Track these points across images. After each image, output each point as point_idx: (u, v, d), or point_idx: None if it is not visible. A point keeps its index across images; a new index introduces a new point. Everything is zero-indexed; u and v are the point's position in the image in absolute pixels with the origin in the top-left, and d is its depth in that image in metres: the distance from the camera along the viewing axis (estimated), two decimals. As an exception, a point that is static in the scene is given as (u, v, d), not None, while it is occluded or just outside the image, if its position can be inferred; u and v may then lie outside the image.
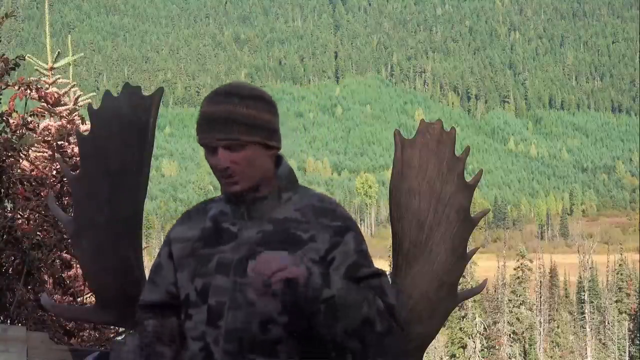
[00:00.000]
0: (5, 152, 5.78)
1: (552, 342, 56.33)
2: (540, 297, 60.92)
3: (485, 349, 52.17)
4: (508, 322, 52.94)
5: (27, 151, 6.32)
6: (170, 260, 2.33)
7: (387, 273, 2.31)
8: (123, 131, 2.76)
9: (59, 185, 6.46)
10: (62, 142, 6.83)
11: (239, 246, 2.24)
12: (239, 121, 2.21)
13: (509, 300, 53.53)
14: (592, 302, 62.07)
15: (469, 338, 51.70)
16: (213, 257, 2.25)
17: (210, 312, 2.21)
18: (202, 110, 2.25)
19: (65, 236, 5.90)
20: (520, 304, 53.95)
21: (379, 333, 2.17)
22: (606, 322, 59.02)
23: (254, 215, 2.27)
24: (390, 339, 2.21)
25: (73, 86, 7.37)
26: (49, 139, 6.79)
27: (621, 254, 64.48)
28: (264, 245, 2.21)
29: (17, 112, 6.55)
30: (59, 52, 7.36)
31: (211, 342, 2.20)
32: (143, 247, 2.87)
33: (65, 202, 6.34)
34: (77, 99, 7.36)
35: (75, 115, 7.13)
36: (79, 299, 6.43)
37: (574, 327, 60.53)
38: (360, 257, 2.25)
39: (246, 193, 2.26)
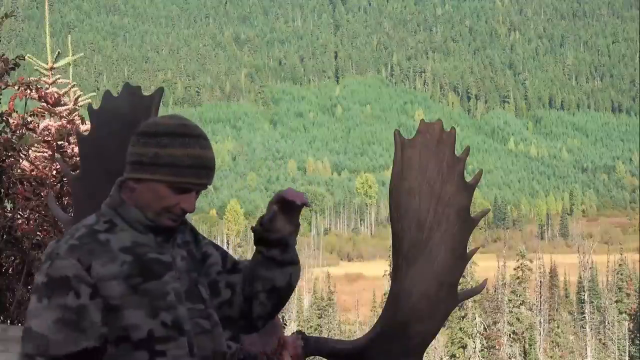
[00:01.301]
0: (5, 152, 5.78)
1: (552, 342, 56.31)
2: (540, 297, 60.91)
3: (485, 349, 52.16)
4: (508, 322, 52.92)
5: (27, 151, 6.32)
6: (96, 300, 2.13)
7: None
8: (123, 131, 2.75)
9: (59, 185, 6.46)
10: (62, 142, 6.83)
11: (180, 274, 2.26)
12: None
13: (509, 300, 53.51)
14: (592, 302, 62.06)
15: (469, 338, 51.69)
16: (166, 289, 2.21)
17: (189, 343, 2.22)
18: (197, 153, 2.22)
19: (65, 236, 5.89)
20: (520, 304, 53.92)
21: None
22: (606, 322, 59.00)
23: (173, 244, 2.31)
24: None
25: (73, 86, 7.37)
26: (49, 139, 6.79)
27: (621, 254, 64.44)
28: (192, 271, 2.31)
29: (17, 112, 6.55)
30: (59, 52, 7.36)
31: None
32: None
33: (65, 202, 6.34)
34: (77, 99, 7.36)
35: (75, 115, 7.13)
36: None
37: (574, 327, 60.52)
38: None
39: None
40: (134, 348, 2.14)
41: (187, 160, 2.20)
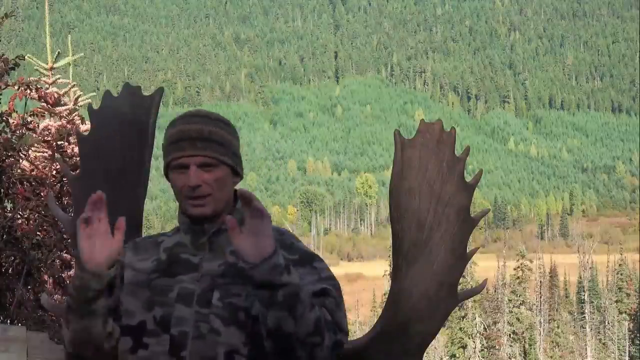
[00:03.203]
0: (5, 152, 5.78)
1: (552, 342, 56.33)
2: (540, 297, 60.93)
3: (485, 349, 52.17)
4: (508, 322, 52.93)
5: (27, 151, 6.32)
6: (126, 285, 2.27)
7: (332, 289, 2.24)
8: (123, 131, 2.76)
9: (59, 185, 6.46)
10: (62, 142, 6.83)
11: (201, 277, 2.23)
12: (216, 140, 2.24)
13: (509, 300, 53.53)
14: (592, 302, 62.08)
15: (469, 338, 51.70)
16: (173, 287, 2.23)
17: (172, 343, 2.18)
18: (176, 129, 2.25)
19: (65, 236, 5.90)
20: (520, 304, 53.94)
21: (326, 347, 2.12)
22: (606, 322, 59.02)
23: (215, 248, 2.26)
24: (333, 356, 2.15)
25: (73, 86, 7.37)
26: (49, 139, 6.79)
27: (621, 254, 64.48)
28: (226, 277, 2.21)
29: (17, 112, 6.55)
30: (59, 52, 7.37)
31: None
32: (143, 247, 2.87)
33: (65, 202, 6.34)
34: (77, 99, 7.37)
35: (75, 115, 7.14)
36: (79, 299, 6.41)
37: (574, 327, 60.54)
38: (323, 281, 2.23)
39: (209, 218, 2.25)
40: (121, 333, 2.20)
41: (169, 138, 2.26)
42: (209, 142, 2.23)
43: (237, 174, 2.29)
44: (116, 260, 2.08)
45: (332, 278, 2.26)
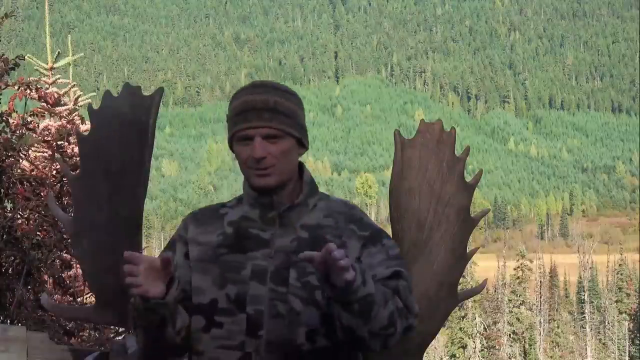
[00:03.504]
0: (5, 152, 5.78)
1: (552, 342, 56.33)
2: (540, 297, 60.94)
3: (485, 349, 52.17)
4: (508, 322, 52.94)
5: (27, 151, 6.32)
6: (186, 260, 2.25)
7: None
8: (123, 131, 2.76)
9: (59, 185, 6.46)
10: (62, 142, 6.83)
11: (274, 254, 2.19)
12: (282, 111, 2.21)
13: (509, 300, 53.53)
14: (592, 302, 62.09)
15: (469, 338, 51.70)
16: (245, 264, 2.19)
17: (249, 322, 2.15)
18: (241, 100, 2.23)
19: (65, 236, 5.90)
20: (520, 304, 53.96)
21: (399, 333, 2.12)
22: (606, 322, 59.02)
23: (285, 222, 2.22)
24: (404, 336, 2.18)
25: (73, 86, 7.37)
26: (49, 139, 6.79)
27: (621, 254, 64.50)
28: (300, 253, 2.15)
29: (17, 112, 6.55)
30: (59, 52, 7.37)
31: (252, 352, 2.14)
32: (143, 247, 2.87)
33: (65, 202, 6.34)
34: (77, 99, 7.37)
35: (75, 115, 7.14)
36: (79, 299, 6.43)
37: (574, 327, 60.55)
38: (391, 260, 2.21)
39: (273, 189, 2.21)
40: (192, 311, 2.19)
41: (234, 110, 2.24)
42: (274, 112, 2.20)
43: (303, 145, 2.26)
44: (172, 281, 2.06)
45: (399, 257, 2.24)
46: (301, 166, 2.30)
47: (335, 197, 2.33)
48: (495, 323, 53.04)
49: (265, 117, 2.19)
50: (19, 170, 6.13)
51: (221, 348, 2.16)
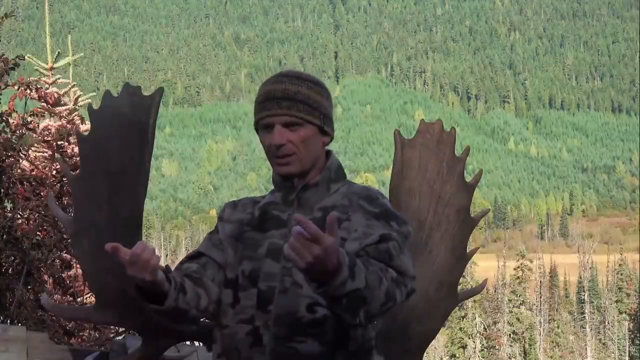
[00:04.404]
0: (5, 152, 5.78)
1: (552, 342, 56.32)
2: (540, 297, 60.94)
3: (485, 349, 52.15)
4: (508, 322, 52.93)
5: (27, 151, 6.32)
6: (226, 238, 2.36)
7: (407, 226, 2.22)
8: (123, 131, 2.76)
9: (59, 185, 6.45)
10: (62, 142, 6.83)
11: (289, 232, 2.18)
12: (301, 100, 2.26)
13: (509, 300, 53.52)
14: (592, 302, 62.09)
15: (469, 338, 51.68)
16: (263, 242, 2.26)
17: (260, 297, 2.20)
18: (264, 89, 2.30)
19: (65, 236, 5.90)
20: (520, 304, 53.94)
21: (399, 303, 2.11)
22: (606, 322, 59.02)
23: (304, 204, 2.28)
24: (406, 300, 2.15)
25: (73, 86, 7.37)
26: (49, 139, 6.79)
27: (621, 254, 64.50)
28: None
29: (17, 112, 6.55)
30: (59, 52, 7.36)
31: (261, 326, 2.19)
32: (143, 247, 2.86)
33: (65, 202, 6.33)
34: (77, 99, 7.36)
35: (75, 115, 7.13)
36: (79, 299, 6.43)
37: (574, 327, 60.54)
38: (383, 229, 2.15)
39: (297, 176, 2.27)
40: (225, 285, 2.28)
41: (258, 98, 2.30)
42: (293, 101, 2.25)
43: (326, 133, 2.30)
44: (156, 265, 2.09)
45: (403, 234, 2.19)
46: (329, 154, 2.35)
47: (364, 185, 2.34)
48: (495, 323, 53.03)
49: (284, 105, 2.25)
50: (19, 170, 6.13)
51: (239, 322, 2.23)
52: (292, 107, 2.24)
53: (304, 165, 2.26)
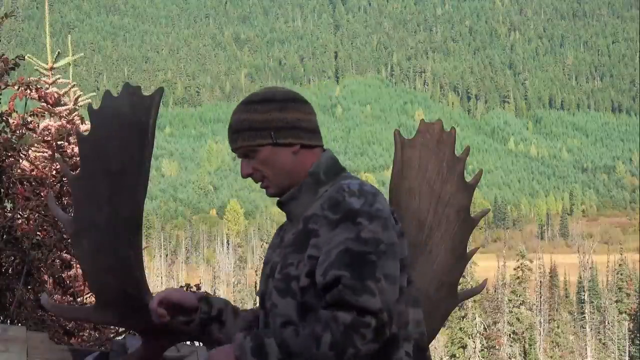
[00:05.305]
0: (5, 152, 5.78)
1: (552, 342, 56.33)
2: (540, 297, 60.96)
3: (485, 349, 52.15)
4: (508, 322, 52.93)
5: (27, 151, 6.32)
6: None
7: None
8: (123, 131, 2.75)
9: (59, 185, 6.45)
10: (62, 142, 6.83)
11: (280, 250, 2.27)
12: (245, 127, 2.26)
13: (509, 300, 53.53)
14: (592, 302, 62.10)
15: (469, 338, 51.69)
16: (269, 261, 2.31)
17: (264, 316, 2.28)
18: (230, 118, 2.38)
19: (65, 236, 5.90)
20: (520, 304, 53.94)
21: (366, 345, 2.04)
22: (606, 322, 59.03)
23: (292, 217, 2.28)
24: (379, 342, 2.07)
25: (73, 86, 7.37)
26: (49, 139, 6.79)
27: (621, 254, 64.52)
28: (292, 246, 2.20)
29: (17, 112, 6.55)
30: (59, 52, 7.36)
31: None
32: (143, 247, 2.86)
33: (65, 202, 6.34)
34: (77, 99, 7.37)
35: (75, 115, 7.13)
36: (79, 299, 6.43)
37: (574, 327, 60.55)
38: (335, 261, 2.08)
39: (279, 196, 2.29)
40: None
41: None
42: (239, 132, 2.28)
43: (287, 144, 2.25)
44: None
45: (368, 241, 2.08)
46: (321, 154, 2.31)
47: (347, 181, 2.22)
48: (495, 323, 53.04)
49: (234, 138, 2.29)
50: (19, 170, 6.13)
51: None
52: (238, 138, 2.27)
53: (279, 184, 2.27)
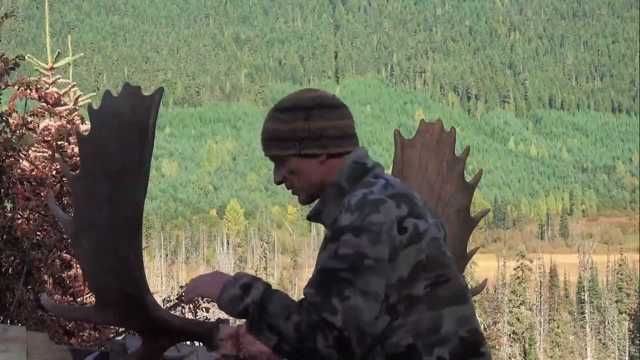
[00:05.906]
0: (5, 152, 5.78)
1: (552, 342, 56.32)
2: (540, 297, 60.93)
3: (485, 349, 52.09)
4: (508, 322, 52.92)
5: (27, 151, 6.32)
6: None
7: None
8: (123, 131, 2.75)
9: (59, 185, 6.45)
10: (62, 142, 6.83)
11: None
12: (273, 137, 2.30)
13: (509, 300, 53.52)
14: (592, 302, 62.08)
15: (469, 338, 51.61)
16: None
17: None
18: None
19: (65, 236, 5.90)
20: (520, 304, 53.94)
21: (323, 349, 2.04)
22: (606, 322, 59.01)
23: (325, 225, 2.29)
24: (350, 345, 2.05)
25: (73, 86, 7.37)
26: (49, 139, 6.79)
27: (621, 254, 64.50)
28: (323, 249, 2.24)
29: (17, 112, 6.55)
30: (59, 52, 7.37)
31: None
32: (143, 247, 2.86)
33: (65, 202, 6.34)
34: (77, 99, 7.37)
35: (75, 115, 7.14)
36: (79, 299, 6.43)
37: (574, 327, 60.53)
38: (311, 279, 2.15)
39: (311, 202, 2.31)
40: None
41: None
42: (268, 141, 2.31)
43: (310, 155, 2.25)
44: None
45: (346, 257, 2.07)
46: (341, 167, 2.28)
47: (368, 188, 2.20)
48: (495, 323, 53.03)
49: (265, 146, 2.33)
50: (19, 170, 6.13)
51: None
52: (267, 146, 2.31)
53: (308, 192, 2.29)
